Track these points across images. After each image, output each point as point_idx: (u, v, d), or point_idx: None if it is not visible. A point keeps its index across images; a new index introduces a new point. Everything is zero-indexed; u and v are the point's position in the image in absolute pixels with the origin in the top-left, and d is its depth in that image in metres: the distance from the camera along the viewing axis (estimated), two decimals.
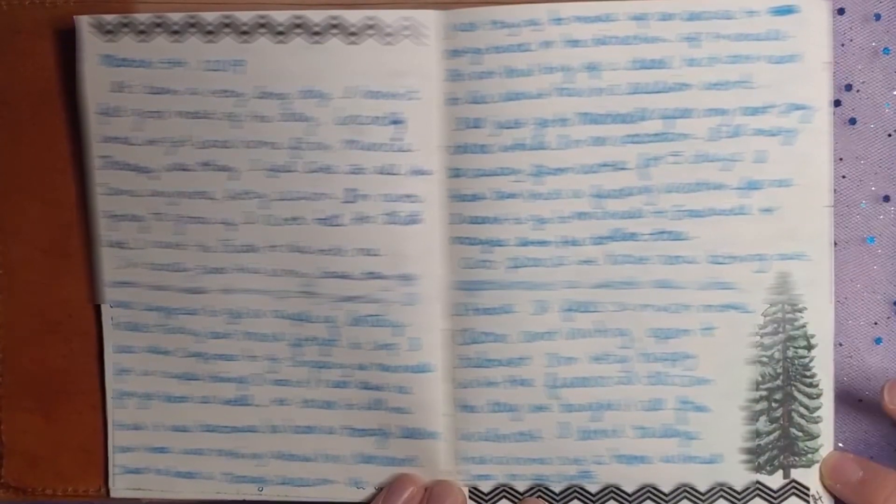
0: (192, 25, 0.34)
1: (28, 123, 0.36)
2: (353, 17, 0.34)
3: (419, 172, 0.34)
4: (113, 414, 0.37)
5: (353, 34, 0.34)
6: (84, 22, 0.35)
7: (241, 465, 0.36)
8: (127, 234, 0.36)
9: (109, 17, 0.35)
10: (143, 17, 0.34)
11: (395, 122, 0.34)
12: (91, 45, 0.35)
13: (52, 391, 0.37)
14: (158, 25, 0.34)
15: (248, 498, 0.36)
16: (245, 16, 0.34)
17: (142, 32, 0.35)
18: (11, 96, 0.36)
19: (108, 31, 0.35)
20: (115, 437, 0.37)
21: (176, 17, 0.34)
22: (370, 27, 0.34)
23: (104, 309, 0.36)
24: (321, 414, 0.36)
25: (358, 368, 0.35)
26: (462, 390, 0.35)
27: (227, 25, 0.34)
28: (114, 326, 0.36)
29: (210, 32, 0.34)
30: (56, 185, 0.36)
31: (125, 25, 0.35)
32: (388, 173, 0.34)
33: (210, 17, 0.34)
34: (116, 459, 0.37)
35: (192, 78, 0.34)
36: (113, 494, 0.37)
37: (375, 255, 0.35)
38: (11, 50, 0.36)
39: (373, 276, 0.35)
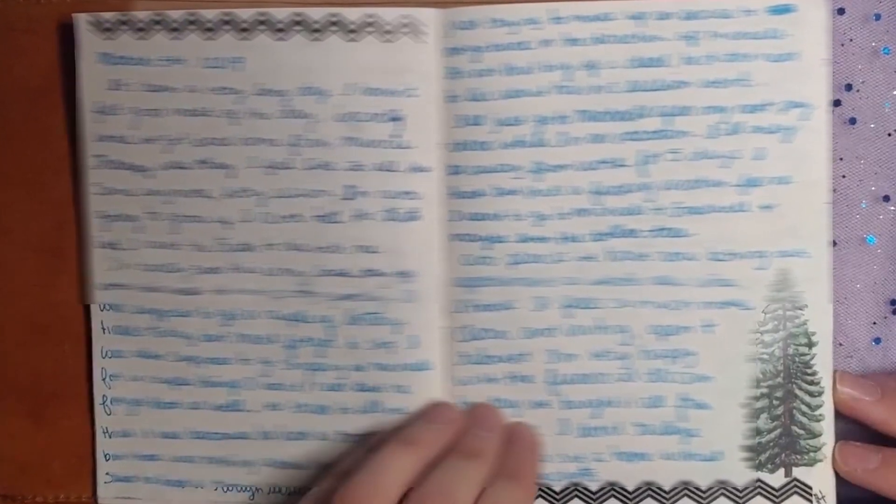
0: (192, 23, 0.38)
1: (20, 120, 0.39)
2: (352, 14, 0.37)
3: (418, 169, 0.38)
4: (101, 421, 0.39)
5: (352, 31, 0.38)
6: (82, 20, 0.38)
7: (232, 472, 0.39)
8: (120, 234, 0.39)
9: (108, 15, 0.38)
10: (142, 15, 0.38)
11: (394, 119, 0.38)
12: (89, 43, 0.38)
13: (43, 395, 0.40)
14: (158, 23, 0.38)
15: None
16: (245, 13, 0.38)
17: (141, 30, 0.38)
18: (4, 93, 0.39)
19: (107, 29, 0.38)
20: (104, 445, 0.39)
21: (176, 14, 0.38)
22: (369, 24, 0.37)
23: (94, 312, 0.39)
24: (314, 419, 0.39)
25: (354, 369, 0.38)
26: (462, 387, 0.38)
27: (226, 23, 0.38)
28: (104, 330, 0.39)
29: (210, 30, 0.38)
30: (48, 183, 0.39)
31: (124, 23, 0.38)
32: (387, 170, 0.38)
33: (210, 14, 0.38)
34: (105, 467, 0.39)
35: (190, 75, 0.38)
36: (101, 503, 0.40)
37: (374, 251, 0.38)
38: (5, 46, 0.39)
39: (371, 273, 0.38)
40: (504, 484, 0.34)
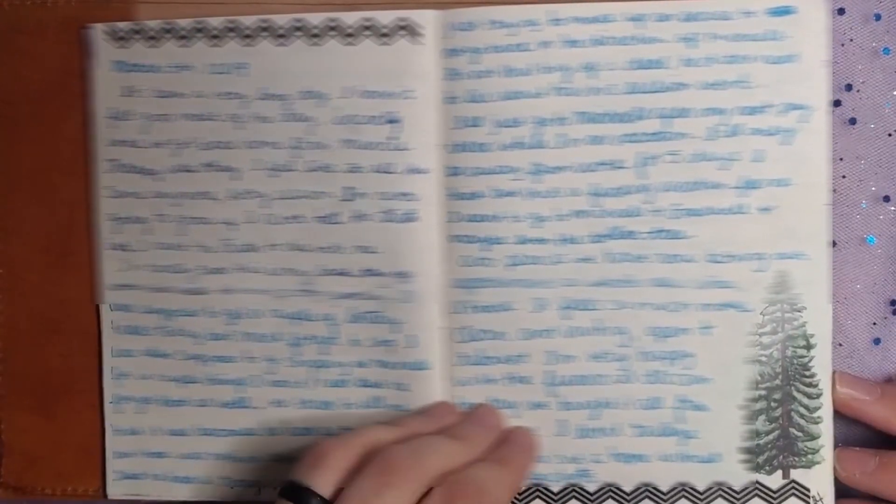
0: (199, 31, 0.39)
1: (28, 122, 0.40)
2: (349, 18, 0.38)
3: (415, 171, 0.38)
4: (110, 419, 0.40)
5: (349, 35, 0.38)
6: (98, 29, 0.39)
7: (239, 468, 0.39)
8: (130, 236, 0.39)
9: (122, 25, 0.39)
10: (153, 24, 0.39)
11: (391, 122, 0.38)
12: (104, 52, 0.39)
13: (52, 390, 0.40)
14: (168, 31, 0.39)
15: (245, 501, 0.39)
16: (248, 20, 0.38)
17: (152, 38, 0.39)
18: (12, 95, 0.40)
19: (121, 38, 0.39)
20: (113, 442, 0.40)
21: (184, 23, 0.39)
22: (367, 28, 0.38)
23: (104, 312, 0.40)
24: (319, 415, 0.39)
25: (357, 366, 0.39)
26: (461, 388, 0.38)
27: (231, 30, 0.38)
28: (113, 330, 0.40)
29: (216, 37, 0.39)
30: (57, 184, 0.40)
31: (137, 32, 0.39)
32: (385, 172, 0.38)
33: (215, 21, 0.38)
34: (114, 465, 0.40)
35: (198, 81, 0.39)
36: (111, 498, 0.40)
37: (373, 252, 0.38)
38: (12, 49, 0.40)
39: (370, 273, 0.38)
40: (484, 465, 0.34)
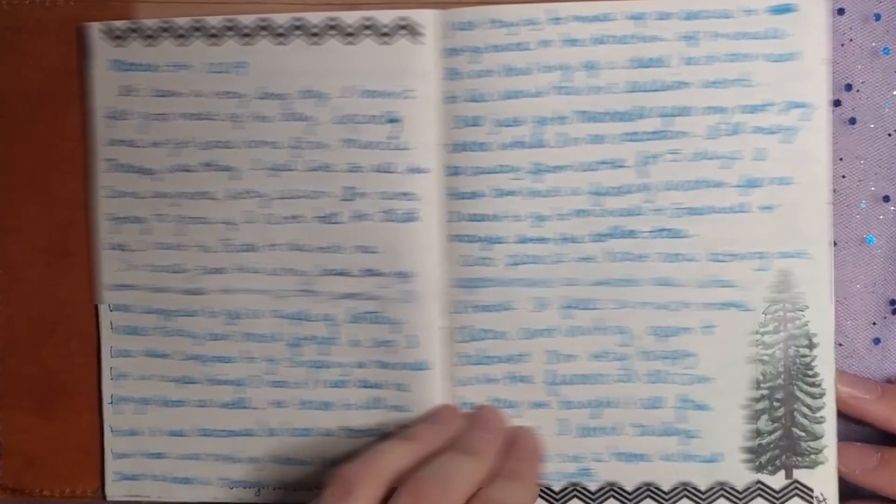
0: (197, 29, 0.38)
1: (27, 122, 0.39)
2: (350, 18, 0.37)
3: (416, 170, 0.37)
4: (109, 419, 0.39)
5: (350, 34, 0.37)
6: (95, 28, 0.38)
7: (238, 469, 0.39)
8: (128, 236, 0.39)
9: (119, 24, 0.38)
10: (150, 23, 0.38)
11: (392, 121, 0.37)
12: (101, 51, 0.38)
13: (51, 391, 0.40)
14: (165, 30, 0.38)
15: (245, 502, 0.39)
16: (247, 19, 0.38)
17: (149, 37, 0.38)
18: (11, 95, 0.39)
19: (118, 37, 0.38)
20: (112, 443, 0.39)
21: (182, 21, 0.38)
22: (367, 27, 0.37)
23: (103, 312, 0.39)
24: (318, 416, 0.38)
25: (357, 366, 0.38)
26: (461, 388, 0.38)
27: (230, 29, 0.38)
28: (112, 331, 0.39)
29: (214, 36, 0.38)
30: (55, 184, 0.39)
31: (134, 31, 0.38)
32: (385, 171, 0.37)
33: (214, 20, 0.38)
34: (113, 466, 0.39)
35: (196, 80, 0.38)
36: (110, 499, 0.40)
37: (373, 252, 0.38)
38: (11, 49, 0.39)
39: (371, 273, 0.38)
40: (503, 483, 0.34)
